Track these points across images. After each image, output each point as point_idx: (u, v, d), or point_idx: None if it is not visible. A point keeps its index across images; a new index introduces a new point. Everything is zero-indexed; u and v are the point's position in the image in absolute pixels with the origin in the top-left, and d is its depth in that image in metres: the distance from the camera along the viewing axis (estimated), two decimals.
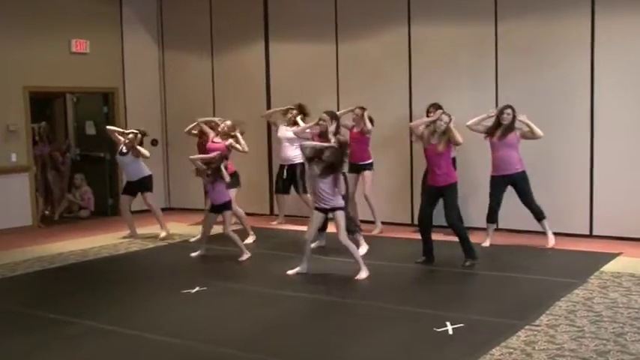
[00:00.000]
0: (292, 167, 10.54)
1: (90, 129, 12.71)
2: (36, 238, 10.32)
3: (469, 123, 8.52)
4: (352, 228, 7.93)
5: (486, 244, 8.70)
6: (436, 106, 9.08)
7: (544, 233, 8.77)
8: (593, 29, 9.10)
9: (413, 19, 10.35)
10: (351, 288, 7.12)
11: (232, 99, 12.14)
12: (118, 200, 12.30)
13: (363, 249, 8.28)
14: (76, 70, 11.76)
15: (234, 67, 12.19)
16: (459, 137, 7.68)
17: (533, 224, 8.96)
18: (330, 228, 8.07)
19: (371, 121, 9.67)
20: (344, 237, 7.36)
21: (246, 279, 7.61)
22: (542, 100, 9.29)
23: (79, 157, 12.88)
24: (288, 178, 10.62)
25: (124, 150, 9.95)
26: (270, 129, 11.55)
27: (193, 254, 8.66)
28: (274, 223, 10.95)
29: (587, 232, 9.32)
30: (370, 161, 9.80)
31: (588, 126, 9.20)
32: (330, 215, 7.57)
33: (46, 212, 12.10)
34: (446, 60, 10.11)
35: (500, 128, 8.49)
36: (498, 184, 8.57)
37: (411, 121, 10.20)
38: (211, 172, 8.30)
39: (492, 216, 8.73)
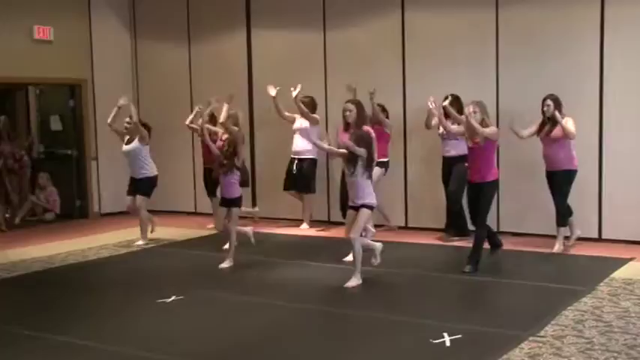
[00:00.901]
0: (301, 161, 10.60)
1: (55, 124, 12.68)
2: None
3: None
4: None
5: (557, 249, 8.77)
6: (455, 97, 9.06)
7: (553, 237, 8.81)
8: (603, 13, 9.15)
9: (407, 5, 10.38)
10: (341, 296, 7.12)
11: (212, 92, 12.09)
12: (86, 202, 12.34)
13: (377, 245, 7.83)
14: (40, 59, 11.72)
15: (214, 57, 12.19)
16: (480, 129, 7.67)
17: (541, 227, 9.00)
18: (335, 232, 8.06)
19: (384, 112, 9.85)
20: (356, 234, 7.32)
21: (227, 287, 7.60)
22: (546, 91, 9.32)
23: (43, 155, 12.85)
24: (297, 174, 10.62)
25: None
26: (253, 125, 11.62)
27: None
28: (302, 227, 10.81)
29: (596, 236, 9.38)
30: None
31: (597, 120, 9.25)
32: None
33: (7, 215, 12.04)
34: (443, 49, 10.14)
35: (548, 123, 8.62)
36: (548, 181, 8.74)
37: (404, 115, 10.26)
38: (227, 161, 8.37)
39: (559, 218, 8.77)
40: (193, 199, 12.53)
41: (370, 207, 7.36)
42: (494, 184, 7.93)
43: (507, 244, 8.69)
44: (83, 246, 9.88)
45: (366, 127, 8.12)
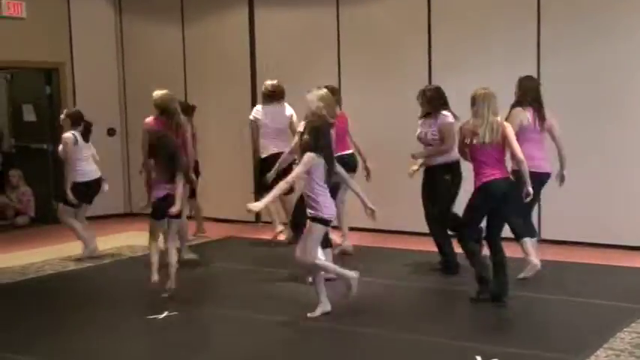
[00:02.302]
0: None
1: (29, 114, 12.70)
2: None
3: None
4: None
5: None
6: None
7: (598, 245, 8.77)
8: None
9: None
10: (346, 312, 7.02)
11: (208, 78, 12.14)
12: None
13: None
14: (9, 39, 11.71)
15: (211, 37, 12.20)
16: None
17: (582, 234, 8.99)
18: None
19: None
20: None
21: (225, 301, 7.61)
22: (594, 79, 9.31)
23: (14, 150, 12.88)
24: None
25: None
26: None
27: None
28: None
29: None
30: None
31: None
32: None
33: None
34: (474, 29, 10.12)
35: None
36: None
37: None
38: None
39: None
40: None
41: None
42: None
43: (547, 254, 8.67)
44: (62, 254, 9.87)
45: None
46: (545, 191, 8.15)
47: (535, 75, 9.60)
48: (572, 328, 6.58)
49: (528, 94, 7.95)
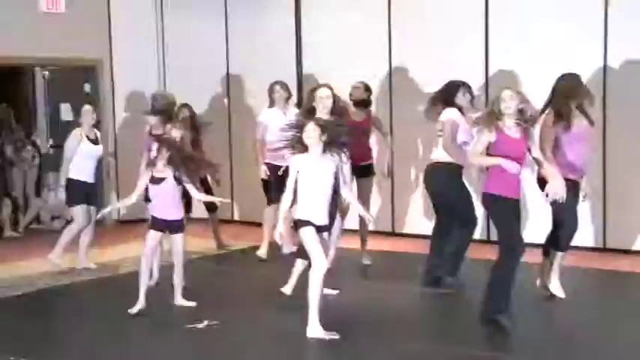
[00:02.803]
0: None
1: (66, 114, 12.77)
2: None
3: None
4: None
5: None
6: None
7: None
8: None
9: None
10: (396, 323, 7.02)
11: (253, 73, 12.11)
12: (103, 206, 12.37)
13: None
14: (48, 36, 11.80)
15: (255, 32, 12.20)
16: None
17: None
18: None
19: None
20: None
21: (263, 309, 7.57)
22: None
23: (52, 151, 12.94)
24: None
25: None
26: None
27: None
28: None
29: None
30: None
31: None
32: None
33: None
34: (534, 23, 9.98)
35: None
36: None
37: (487, 98, 10.04)
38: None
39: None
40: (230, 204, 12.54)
41: None
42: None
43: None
44: (101, 259, 9.94)
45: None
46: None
47: (603, 62, 9.49)
48: None
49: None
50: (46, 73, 13.06)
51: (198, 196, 7.94)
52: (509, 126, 6.65)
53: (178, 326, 7.05)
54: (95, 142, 9.69)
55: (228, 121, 12.35)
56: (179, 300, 7.68)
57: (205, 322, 7.07)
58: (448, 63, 10.23)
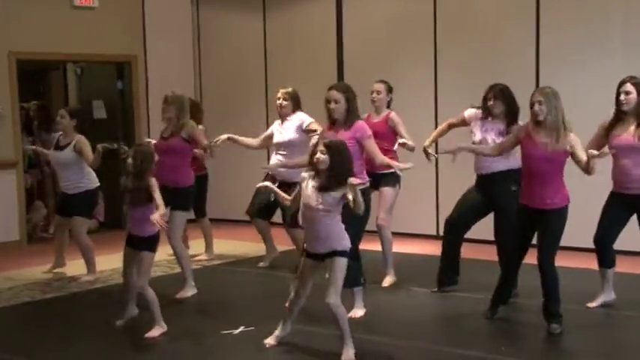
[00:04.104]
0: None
1: (99, 111, 12.78)
2: (23, 258, 10.42)
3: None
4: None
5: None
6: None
7: None
8: None
9: None
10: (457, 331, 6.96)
11: (291, 71, 12.05)
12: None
13: (360, 311, 7.49)
14: (81, 31, 11.83)
15: (294, 27, 12.20)
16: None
17: None
18: None
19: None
20: (337, 297, 6.26)
21: (307, 316, 7.43)
22: None
23: None
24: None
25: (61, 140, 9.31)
26: None
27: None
28: None
29: None
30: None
31: None
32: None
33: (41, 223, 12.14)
34: (588, 15, 9.84)
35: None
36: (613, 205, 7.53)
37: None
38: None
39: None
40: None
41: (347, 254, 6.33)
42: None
43: None
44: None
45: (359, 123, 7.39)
46: None
47: None
48: None
49: None
50: (78, 69, 13.03)
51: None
52: None
53: (214, 330, 7.04)
54: (61, 148, 9.21)
55: (266, 118, 12.24)
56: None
57: (241, 328, 7.02)
58: (493, 54, 10.13)
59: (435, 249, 9.69)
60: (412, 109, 10.59)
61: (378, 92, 8.56)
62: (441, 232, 8.54)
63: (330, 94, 7.34)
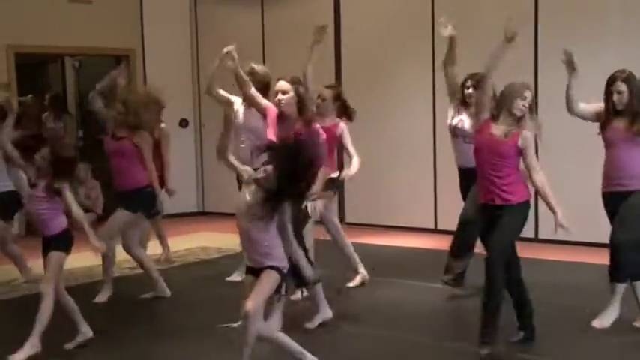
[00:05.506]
0: None
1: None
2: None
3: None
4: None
5: None
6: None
7: None
8: None
9: None
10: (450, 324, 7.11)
11: (289, 64, 12.05)
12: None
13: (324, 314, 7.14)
14: (79, 24, 11.95)
15: (293, 20, 12.26)
16: None
17: None
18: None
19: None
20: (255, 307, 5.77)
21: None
22: None
23: (81, 142, 13.03)
24: None
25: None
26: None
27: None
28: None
29: None
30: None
31: None
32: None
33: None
34: (585, 20, 9.98)
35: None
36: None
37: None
38: None
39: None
40: None
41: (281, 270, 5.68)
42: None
43: None
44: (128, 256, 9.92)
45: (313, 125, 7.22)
46: None
47: None
48: None
49: None
50: (77, 62, 13.12)
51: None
52: None
53: (212, 323, 7.08)
54: None
55: None
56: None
57: (240, 321, 7.07)
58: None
59: (433, 243, 9.85)
60: (410, 106, 10.76)
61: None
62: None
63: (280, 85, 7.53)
